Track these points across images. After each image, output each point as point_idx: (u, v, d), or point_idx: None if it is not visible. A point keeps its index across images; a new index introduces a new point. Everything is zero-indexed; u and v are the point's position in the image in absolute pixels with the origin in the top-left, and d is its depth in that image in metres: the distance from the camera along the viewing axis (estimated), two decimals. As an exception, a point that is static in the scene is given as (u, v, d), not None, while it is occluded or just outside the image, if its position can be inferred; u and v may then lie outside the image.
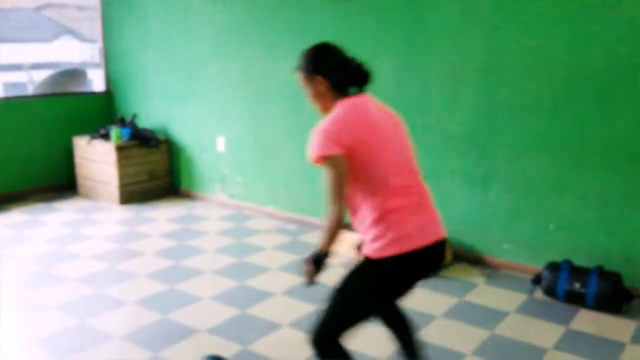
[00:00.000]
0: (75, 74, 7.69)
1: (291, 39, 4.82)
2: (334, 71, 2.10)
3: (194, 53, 5.57)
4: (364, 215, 2.03)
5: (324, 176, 1.96)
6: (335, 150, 1.95)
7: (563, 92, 3.59)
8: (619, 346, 2.98)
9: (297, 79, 2.17)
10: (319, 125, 2.02)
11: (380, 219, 1.98)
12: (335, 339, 2.05)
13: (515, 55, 3.73)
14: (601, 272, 3.40)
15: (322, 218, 1.86)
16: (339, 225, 1.98)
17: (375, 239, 1.98)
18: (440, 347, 2.96)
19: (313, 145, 2.00)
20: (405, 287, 2.07)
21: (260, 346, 2.98)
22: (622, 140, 3.43)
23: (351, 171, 1.99)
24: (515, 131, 3.81)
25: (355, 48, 4.46)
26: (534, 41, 3.65)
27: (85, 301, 3.52)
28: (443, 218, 4.20)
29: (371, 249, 2.00)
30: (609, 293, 3.32)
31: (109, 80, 6.51)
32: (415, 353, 2.35)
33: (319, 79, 2.10)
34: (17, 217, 5.25)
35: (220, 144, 5.56)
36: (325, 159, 1.96)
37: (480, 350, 2.94)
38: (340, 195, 1.97)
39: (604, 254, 3.59)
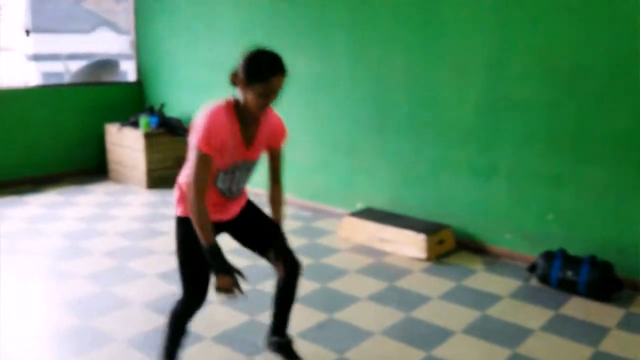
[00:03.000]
0: (108, 64, 8.06)
1: (310, 33, 5.06)
2: None
3: (219, 46, 5.86)
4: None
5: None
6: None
7: (563, 87, 3.75)
8: (603, 331, 3.15)
9: (282, 84, 2.49)
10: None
11: None
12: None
13: (518, 51, 3.90)
14: (593, 261, 3.56)
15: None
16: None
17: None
18: (432, 325, 3.18)
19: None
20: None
21: (266, 317, 3.24)
22: (619, 135, 3.58)
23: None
24: (517, 125, 3.99)
25: (370, 43, 4.70)
26: (537, 38, 3.81)
27: (110, 272, 3.84)
28: (449, 208, 4.46)
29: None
30: (600, 281, 3.48)
31: (139, 70, 6.86)
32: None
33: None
34: (51, 197, 5.63)
35: (242, 133, 5.83)
36: None
37: (469, 329, 3.15)
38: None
39: (598, 244, 3.75)
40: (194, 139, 2.21)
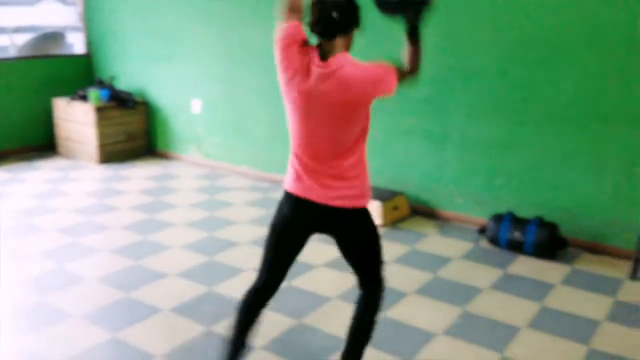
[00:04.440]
0: (55, 37, 7.80)
1: (268, 4, 5.01)
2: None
3: (171, 16, 5.74)
4: (358, 160, 2.19)
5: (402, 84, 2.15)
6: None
7: (510, 56, 3.85)
8: (549, 287, 3.31)
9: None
10: (380, 66, 2.15)
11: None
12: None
13: (468, 22, 3.97)
14: (539, 222, 3.71)
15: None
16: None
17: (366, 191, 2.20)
18: (386, 287, 3.26)
19: (390, 78, 2.14)
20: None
21: (225, 288, 3.28)
22: (564, 102, 3.71)
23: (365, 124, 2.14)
24: (467, 93, 4.07)
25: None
26: (485, 9, 3.88)
27: (64, 249, 3.79)
28: (403, 175, 4.52)
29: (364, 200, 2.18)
30: (546, 241, 3.64)
31: (88, 43, 6.66)
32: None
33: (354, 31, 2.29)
34: (-1, 175, 5.47)
35: (196, 105, 5.77)
36: (396, 78, 2.18)
37: (422, 290, 3.25)
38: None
39: (544, 206, 3.90)
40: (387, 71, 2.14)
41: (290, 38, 2.09)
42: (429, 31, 4.15)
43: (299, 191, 2.11)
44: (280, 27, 2.11)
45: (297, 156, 2.12)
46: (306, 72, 2.03)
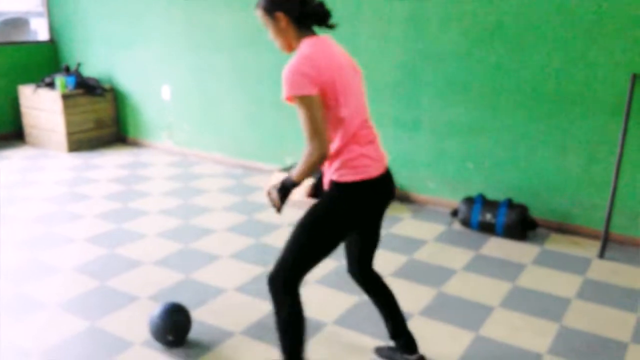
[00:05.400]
0: (17, 22, 7.60)
1: (232, -12, 4.97)
2: (293, 6, 1.99)
3: None
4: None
5: (300, 115, 1.92)
6: (309, 90, 1.89)
7: (477, 41, 3.90)
8: (521, 267, 3.40)
9: (259, 17, 2.09)
10: (291, 64, 1.92)
11: (341, 152, 2.02)
12: (296, 277, 2.06)
13: (436, 5, 4.00)
14: (510, 204, 3.79)
15: (303, 152, 1.94)
16: (320, 160, 1.92)
17: (340, 167, 2.02)
18: (363, 271, 3.31)
19: (286, 84, 1.90)
20: (366, 214, 2.06)
21: (201, 275, 3.28)
22: (531, 86, 3.79)
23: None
24: (437, 78, 4.12)
25: None
26: (455, -7, 3.93)
27: (36, 239, 3.74)
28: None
29: (337, 175, 2.03)
30: (516, 222, 3.72)
31: (52, 29, 6.52)
32: (399, 324, 2.37)
33: (279, 15, 2.00)
34: (-36, 165, 5.34)
35: (166, 92, 5.71)
36: (300, 99, 1.89)
37: (397, 272, 3.31)
38: (320, 131, 1.90)
39: (514, 188, 3.99)
40: None
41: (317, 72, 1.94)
42: (397, 15, 4.20)
43: (378, 170, 2.07)
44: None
45: (355, 137, 2.04)
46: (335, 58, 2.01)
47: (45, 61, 6.49)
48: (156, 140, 5.95)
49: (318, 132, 1.90)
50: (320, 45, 1.98)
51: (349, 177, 2.01)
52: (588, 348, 2.59)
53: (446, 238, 3.80)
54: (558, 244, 3.71)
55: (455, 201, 4.22)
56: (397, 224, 4.03)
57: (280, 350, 2.13)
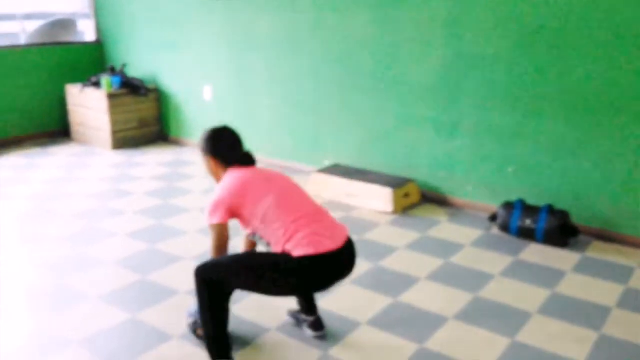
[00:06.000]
0: (65, 24, 7.84)
1: (274, -9, 5.03)
2: (222, 154, 2.49)
3: (179, 3, 5.76)
4: (274, 242, 2.33)
5: (209, 236, 2.30)
6: (218, 219, 2.33)
7: (518, 45, 3.85)
8: (560, 274, 3.34)
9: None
10: (213, 194, 2.41)
11: (288, 241, 2.27)
12: (219, 284, 2.28)
13: (477, 8, 3.97)
14: (550, 209, 3.73)
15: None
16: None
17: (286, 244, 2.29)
18: (396, 272, 3.31)
19: (206, 212, 2.38)
20: (308, 283, 2.28)
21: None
22: (573, 91, 3.72)
23: (247, 218, 2.36)
24: (477, 81, 4.08)
25: (333, 1, 4.70)
26: (498, -5, 3.89)
27: (80, 233, 3.85)
28: (414, 163, 4.57)
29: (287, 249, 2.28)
30: (557, 228, 3.66)
31: (99, 30, 6.70)
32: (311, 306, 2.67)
33: (210, 158, 2.51)
34: (14, 160, 5.54)
35: (207, 92, 5.81)
36: (210, 226, 2.35)
37: (433, 276, 3.29)
38: (220, 252, 2.36)
39: (555, 194, 3.92)
40: None
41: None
42: (437, 18, 4.18)
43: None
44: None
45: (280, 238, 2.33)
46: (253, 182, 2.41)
47: (91, 61, 6.69)
48: (197, 139, 6.05)
49: (216, 253, 2.37)
50: (237, 175, 2.41)
51: (295, 252, 2.26)
52: (628, 358, 2.53)
53: (484, 243, 3.76)
54: (600, 252, 3.62)
55: (494, 206, 4.17)
56: (433, 227, 4.00)
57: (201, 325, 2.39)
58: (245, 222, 2.39)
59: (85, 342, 2.61)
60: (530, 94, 3.88)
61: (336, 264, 2.29)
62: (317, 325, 2.66)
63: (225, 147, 2.50)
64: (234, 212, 2.36)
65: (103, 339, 2.64)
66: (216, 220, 2.33)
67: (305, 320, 2.69)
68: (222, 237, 2.35)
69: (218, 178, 2.54)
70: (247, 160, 2.52)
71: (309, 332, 2.67)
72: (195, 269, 2.30)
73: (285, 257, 2.24)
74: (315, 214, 2.37)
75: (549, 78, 3.79)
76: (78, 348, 2.57)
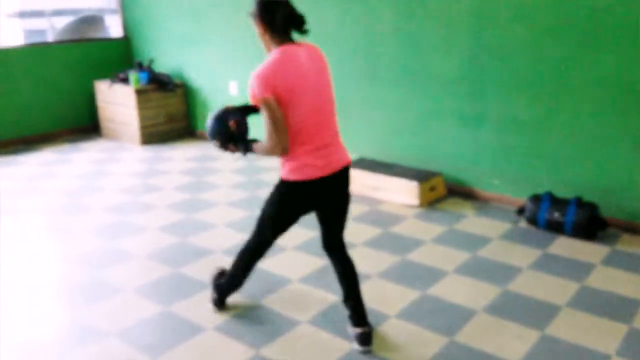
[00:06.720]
0: (93, 20, 7.97)
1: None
2: (269, 16, 2.31)
3: None
4: None
5: (262, 114, 2.25)
6: (266, 93, 2.21)
7: (545, 35, 3.82)
8: (589, 267, 3.32)
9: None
10: (256, 69, 2.26)
11: (288, 154, 2.34)
12: (270, 232, 2.54)
13: (502, 0, 3.95)
14: (579, 202, 3.71)
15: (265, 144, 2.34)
16: (281, 154, 2.31)
17: (283, 166, 2.39)
18: (424, 266, 3.33)
19: (250, 87, 2.25)
20: (303, 206, 2.46)
21: (268, 265, 3.38)
22: (601, 82, 3.68)
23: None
24: (503, 73, 4.06)
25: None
26: (525, -13, 3.86)
27: (112, 227, 3.94)
28: (439, 156, 4.57)
29: (282, 173, 2.41)
30: (585, 221, 3.64)
31: (126, 26, 6.80)
32: (353, 304, 2.60)
33: (258, 22, 2.35)
34: (46, 156, 5.68)
35: (233, 87, 5.87)
36: (260, 101, 2.23)
37: (461, 269, 3.30)
38: (279, 128, 2.25)
39: (583, 187, 3.89)
40: None
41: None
42: (463, 8, 4.16)
43: (320, 173, 2.39)
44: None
45: (304, 143, 2.36)
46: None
47: (119, 57, 6.79)
48: (223, 134, 6.11)
49: (277, 130, 2.25)
50: (283, 53, 2.28)
51: (289, 176, 2.37)
52: (660, 352, 2.52)
53: (512, 236, 3.75)
54: (629, 245, 3.60)
55: (521, 199, 4.16)
56: (460, 220, 4.01)
57: (231, 267, 2.72)
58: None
59: (121, 334, 2.69)
60: (556, 84, 3.85)
61: (320, 188, 2.40)
62: (364, 339, 2.53)
63: (281, 19, 2.32)
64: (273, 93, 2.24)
65: (138, 330, 2.72)
66: (267, 93, 2.21)
67: (353, 334, 2.57)
68: (276, 109, 2.23)
69: (268, 49, 2.39)
70: (300, 29, 2.36)
71: (355, 346, 2.56)
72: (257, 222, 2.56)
73: (281, 186, 2.44)
74: (325, 148, 2.38)
75: (576, 69, 3.75)
76: (114, 340, 2.65)
